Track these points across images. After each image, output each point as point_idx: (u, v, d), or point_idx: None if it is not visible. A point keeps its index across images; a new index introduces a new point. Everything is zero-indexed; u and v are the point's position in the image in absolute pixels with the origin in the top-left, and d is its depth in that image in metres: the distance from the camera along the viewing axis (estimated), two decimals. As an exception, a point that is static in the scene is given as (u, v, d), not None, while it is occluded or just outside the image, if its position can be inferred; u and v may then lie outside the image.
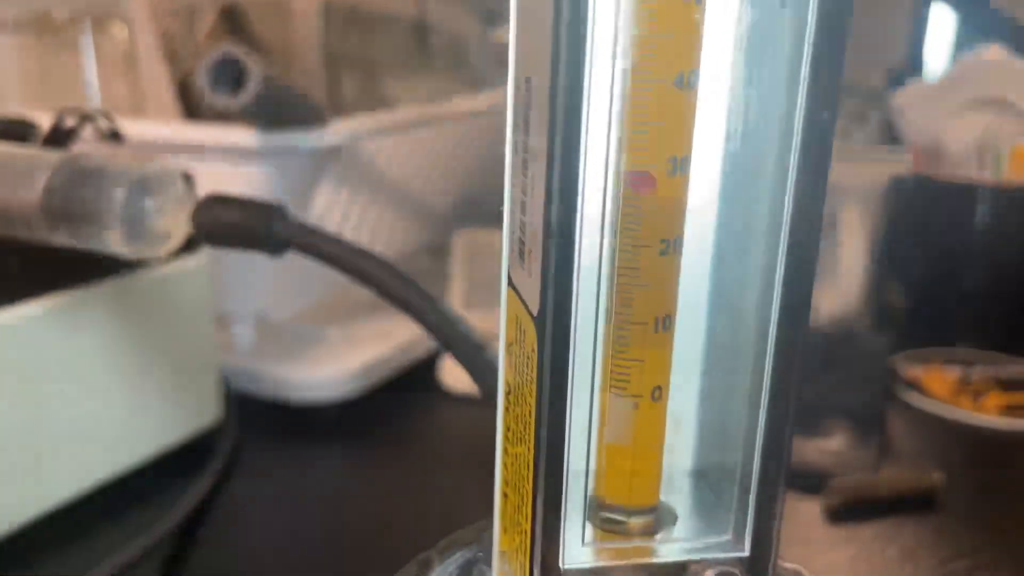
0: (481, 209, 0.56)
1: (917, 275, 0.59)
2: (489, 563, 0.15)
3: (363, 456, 0.43)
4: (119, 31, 0.61)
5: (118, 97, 0.60)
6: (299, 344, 0.48)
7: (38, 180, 0.28)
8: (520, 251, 0.13)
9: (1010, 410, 0.48)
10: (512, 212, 0.14)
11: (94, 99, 0.59)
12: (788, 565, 0.16)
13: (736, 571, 0.13)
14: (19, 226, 0.29)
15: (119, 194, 0.27)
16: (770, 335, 0.13)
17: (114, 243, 0.27)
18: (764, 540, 0.14)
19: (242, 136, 0.40)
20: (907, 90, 0.58)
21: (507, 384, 0.14)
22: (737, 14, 0.13)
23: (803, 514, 0.38)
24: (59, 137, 0.37)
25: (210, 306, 0.41)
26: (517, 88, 0.13)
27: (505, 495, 0.14)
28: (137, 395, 0.37)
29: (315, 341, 0.49)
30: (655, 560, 0.13)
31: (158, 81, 0.63)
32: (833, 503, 0.38)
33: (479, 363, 0.23)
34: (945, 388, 0.51)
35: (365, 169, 0.48)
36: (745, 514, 0.14)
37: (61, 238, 0.29)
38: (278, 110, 0.40)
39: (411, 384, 0.48)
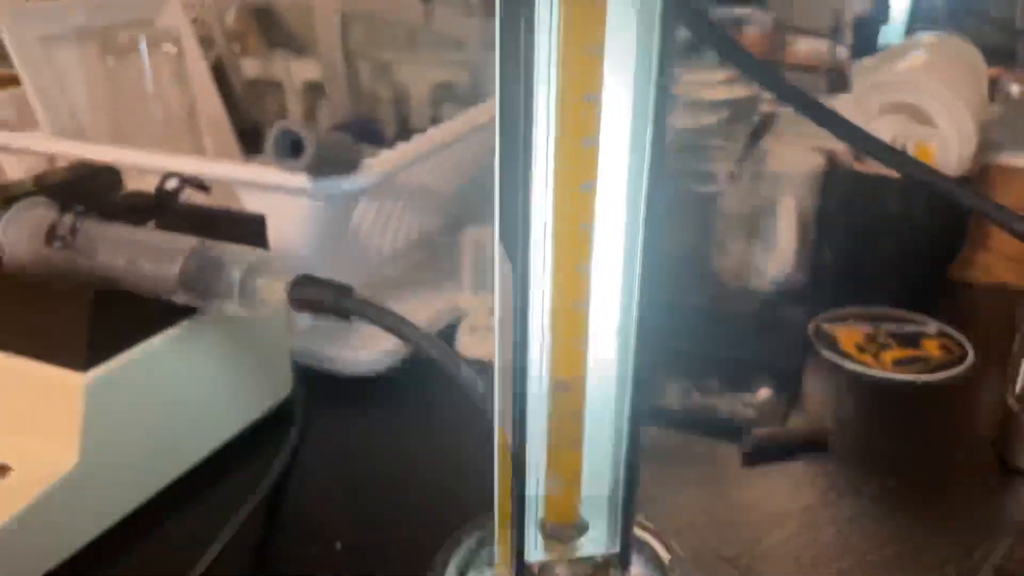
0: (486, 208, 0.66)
1: (842, 248, 0.69)
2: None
3: (398, 415, 0.55)
4: (170, 48, 0.69)
5: (173, 106, 0.69)
6: (343, 328, 0.59)
7: (176, 262, 0.39)
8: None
9: (900, 364, 0.59)
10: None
11: (154, 110, 0.68)
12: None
13: (613, 559, 0.24)
14: (158, 291, 0.40)
15: (236, 276, 0.37)
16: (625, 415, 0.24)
17: (230, 310, 0.38)
18: (626, 540, 0.24)
19: (301, 180, 0.50)
20: (838, 97, 0.66)
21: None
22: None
23: (723, 458, 0.49)
24: (164, 196, 0.47)
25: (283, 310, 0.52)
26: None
27: (499, 517, 0.25)
28: (236, 382, 0.49)
29: (355, 325, 0.60)
30: (577, 555, 0.24)
31: (208, 95, 0.72)
32: (747, 449, 0.49)
33: (476, 392, 0.34)
34: (852, 344, 0.61)
35: (392, 187, 0.58)
36: (616, 522, 0.24)
37: (187, 300, 0.40)
38: (328, 159, 0.49)
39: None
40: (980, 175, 0.66)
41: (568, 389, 0.23)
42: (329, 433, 0.52)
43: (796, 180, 0.67)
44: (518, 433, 0.22)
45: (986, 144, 0.67)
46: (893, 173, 0.35)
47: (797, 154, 0.68)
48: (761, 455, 0.49)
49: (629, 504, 0.24)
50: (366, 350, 0.57)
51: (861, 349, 0.61)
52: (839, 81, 0.84)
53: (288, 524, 0.45)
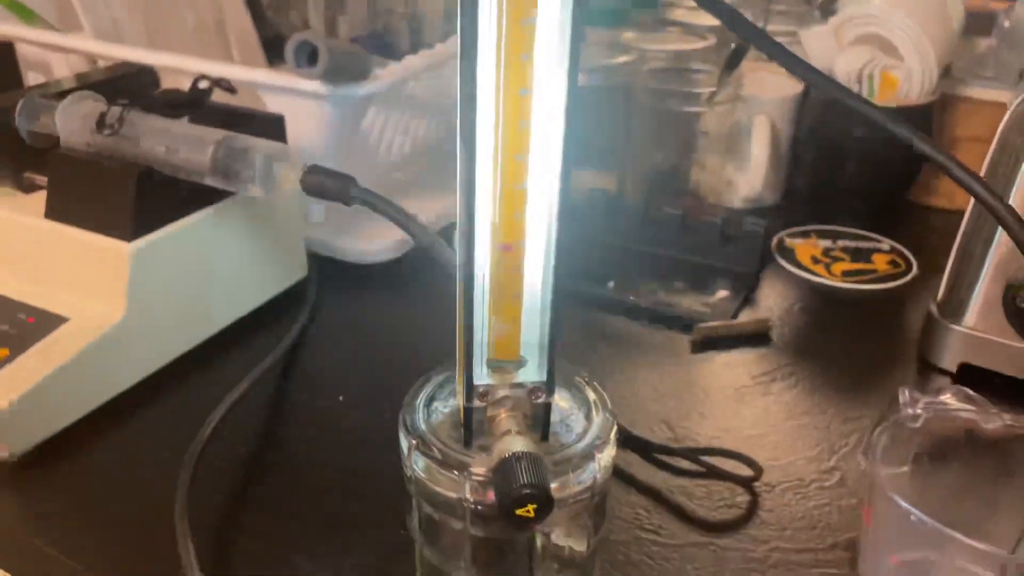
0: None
1: (811, 170, 0.74)
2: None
3: (396, 297, 0.62)
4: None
5: (203, 16, 0.74)
6: (354, 219, 0.66)
7: (207, 150, 0.45)
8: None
9: (849, 275, 0.65)
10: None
11: (186, 18, 0.73)
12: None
13: (541, 385, 0.31)
14: (191, 174, 0.47)
15: (258, 163, 0.44)
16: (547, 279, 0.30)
17: (252, 191, 0.45)
18: (551, 372, 0.31)
19: (315, 86, 0.56)
20: (811, 29, 0.71)
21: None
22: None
23: (676, 346, 0.56)
24: (197, 95, 0.53)
25: (298, 200, 0.58)
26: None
27: (459, 356, 0.32)
28: (259, 261, 0.56)
29: (365, 217, 0.66)
30: (515, 381, 0.31)
31: (236, 7, 0.77)
32: (696, 339, 0.56)
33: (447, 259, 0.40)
34: (809, 256, 0.68)
35: (400, 96, 0.63)
36: (544, 360, 0.31)
37: (216, 183, 0.47)
38: (341, 68, 0.55)
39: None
40: (943, 105, 0.71)
41: (510, 249, 0.29)
42: (337, 311, 0.59)
43: (772, 104, 0.72)
44: (468, 283, 0.29)
45: (952, 76, 0.72)
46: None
47: (775, 79, 0.73)
48: (707, 344, 0.56)
49: (553, 345, 0.31)
50: (371, 241, 0.63)
51: (816, 261, 0.67)
52: (831, 9, 0.87)
53: (299, 381, 0.52)
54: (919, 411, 0.36)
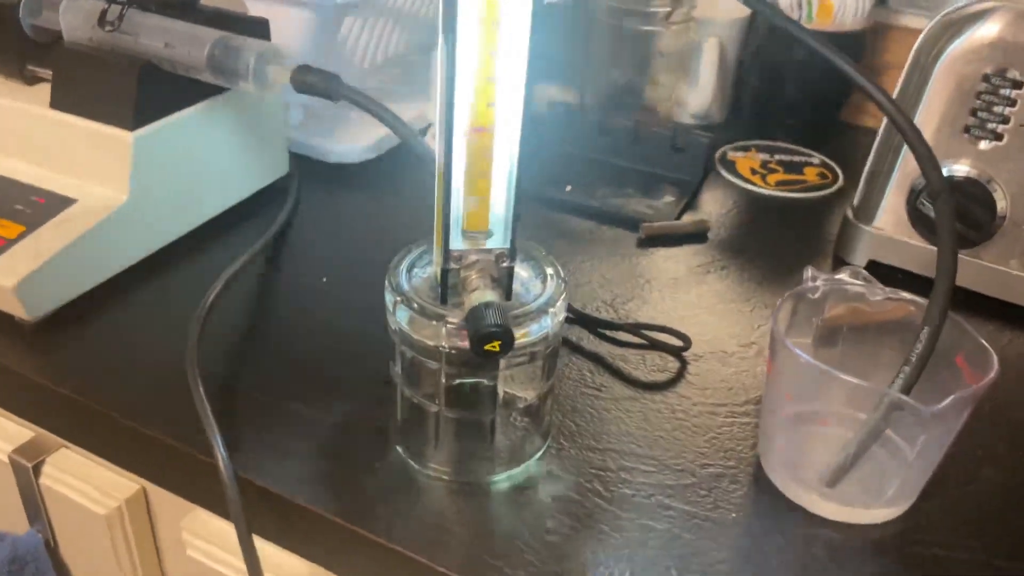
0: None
1: (755, 90, 0.80)
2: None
3: (373, 195, 0.67)
4: None
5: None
6: (331, 124, 0.71)
7: (204, 46, 0.49)
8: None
9: (782, 184, 0.72)
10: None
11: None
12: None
13: (506, 251, 0.37)
14: (188, 70, 0.51)
15: (251, 61, 0.48)
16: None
17: (245, 88, 0.49)
18: (513, 241, 0.37)
19: (298, -7, 0.60)
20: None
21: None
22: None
23: (624, 243, 0.63)
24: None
25: (281, 102, 0.63)
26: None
27: (436, 229, 0.38)
28: (246, 155, 0.60)
29: (344, 121, 0.71)
30: (483, 247, 0.37)
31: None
32: (642, 236, 0.63)
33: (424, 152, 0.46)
34: (747, 168, 0.74)
35: (376, 6, 0.67)
36: (508, 230, 0.37)
37: (211, 79, 0.51)
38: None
39: (405, 151, 0.71)
40: (876, 32, 0.77)
41: (482, 131, 0.35)
42: (318, 205, 0.65)
43: (721, 26, 0.77)
44: (447, 161, 0.35)
45: (888, 6, 0.77)
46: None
47: (726, 2, 0.78)
48: (651, 241, 0.63)
49: (516, 219, 0.37)
50: (346, 143, 0.68)
51: (754, 172, 0.73)
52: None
53: (285, 264, 0.58)
54: (818, 284, 0.43)
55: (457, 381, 0.39)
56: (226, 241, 0.59)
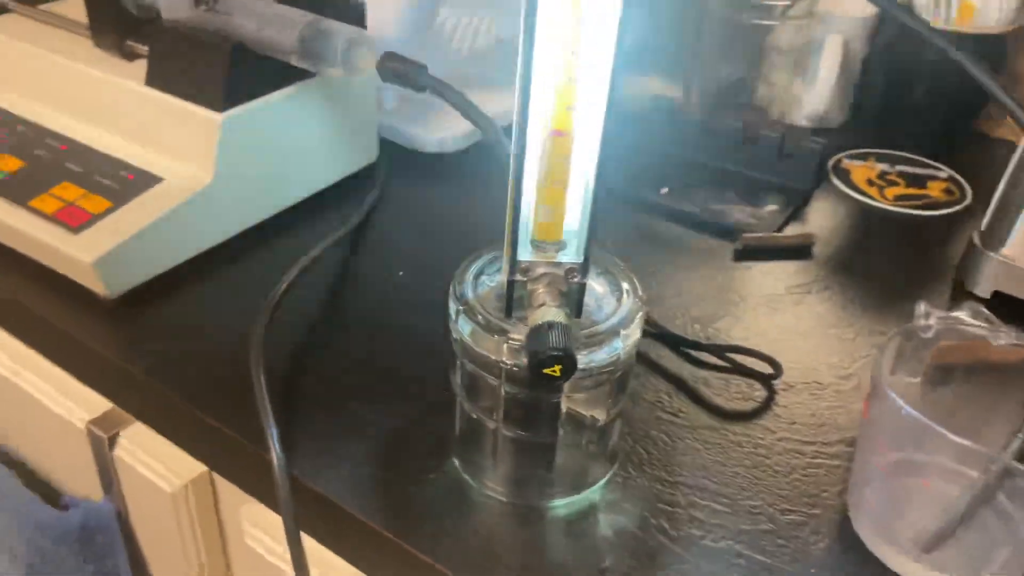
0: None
1: (879, 92, 0.74)
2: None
3: (463, 188, 0.65)
4: None
5: None
6: (425, 110, 0.69)
7: (295, 30, 0.48)
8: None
9: (901, 199, 0.66)
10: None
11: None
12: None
13: (578, 267, 0.34)
14: (278, 53, 0.50)
15: (340, 47, 0.47)
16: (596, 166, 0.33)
17: (333, 73, 0.48)
18: (587, 256, 0.34)
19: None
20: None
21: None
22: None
23: (720, 254, 0.59)
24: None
25: (374, 87, 0.61)
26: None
27: (507, 237, 0.35)
28: (334, 141, 0.59)
29: (437, 108, 0.69)
30: (555, 260, 0.35)
31: None
32: (739, 248, 0.58)
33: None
34: (864, 179, 0.68)
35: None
36: (582, 244, 0.34)
37: (300, 63, 0.50)
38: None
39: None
40: (1019, 36, 0.69)
41: (562, 135, 0.32)
42: (403, 195, 0.63)
43: (846, 22, 0.71)
44: (519, 165, 0.32)
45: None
46: (935, 24, 0.40)
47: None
48: (748, 253, 0.58)
49: (592, 232, 0.34)
50: (439, 131, 0.66)
51: (870, 183, 0.68)
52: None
53: (363, 254, 0.56)
54: (932, 323, 0.38)
55: (518, 399, 0.37)
56: (309, 227, 0.58)
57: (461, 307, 0.36)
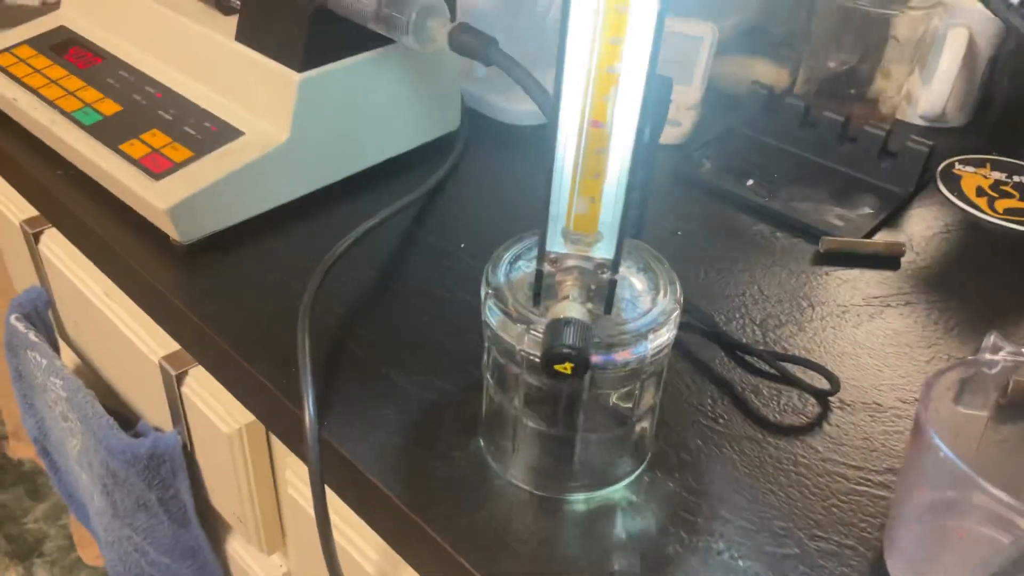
0: None
1: (1006, 94, 0.68)
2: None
3: (540, 160, 0.64)
4: None
5: None
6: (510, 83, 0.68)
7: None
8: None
9: (1012, 213, 0.60)
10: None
11: None
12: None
13: (608, 262, 0.33)
14: (357, 17, 0.50)
15: (413, 15, 0.46)
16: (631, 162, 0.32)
17: (407, 42, 0.48)
18: (619, 251, 0.33)
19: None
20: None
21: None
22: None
23: (798, 254, 0.55)
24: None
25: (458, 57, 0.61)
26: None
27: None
28: (414, 108, 0.59)
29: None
30: (589, 255, 0.33)
31: None
32: (821, 251, 0.55)
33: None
34: (974, 187, 0.63)
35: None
36: (615, 239, 0.33)
37: (378, 28, 0.50)
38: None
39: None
40: None
41: (599, 127, 0.31)
42: (479, 166, 0.63)
43: (974, 15, 0.65)
44: (553, 154, 0.31)
45: None
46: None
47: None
48: (831, 258, 0.55)
49: (624, 227, 0.33)
50: (524, 104, 0.65)
51: (980, 193, 0.62)
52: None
53: (429, 223, 0.56)
54: (998, 358, 0.35)
55: (538, 389, 0.36)
56: (381, 191, 0.58)
57: (491, 292, 0.35)
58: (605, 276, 0.34)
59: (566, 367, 0.31)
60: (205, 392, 0.56)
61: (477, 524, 0.38)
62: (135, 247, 0.52)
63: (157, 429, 0.62)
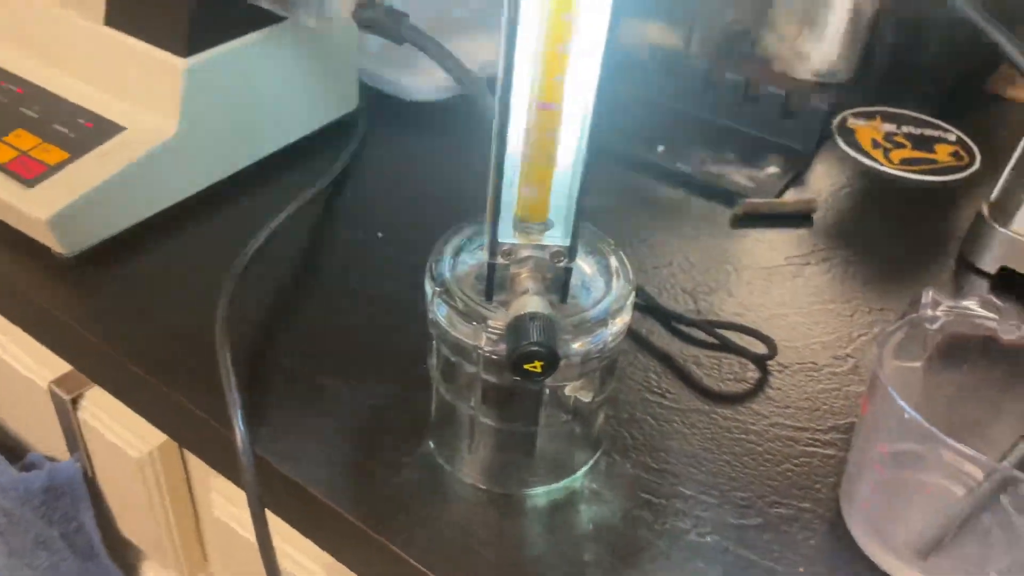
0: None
1: (890, 47, 0.70)
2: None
3: (450, 140, 0.61)
4: None
5: None
6: (410, 54, 0.65)
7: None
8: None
9: (907, 163, 0.63)
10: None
11: None
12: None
13: (564, 250, 0.32)
14: (248, -5, 0.46)
15: (310, -8, 0.43)
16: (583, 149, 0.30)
17: (303, 19, 0.44)
18: (574, 239, 0.32)
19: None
20: None
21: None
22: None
23: (716, 219, 0.56)
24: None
25: (355, 30, 0.57)
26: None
27: (489, 213, 0.32)
28: (310, 88, 0.56)
29: (422, 54, 0.65)
30: (540, 243, 0.32)
31: None
32: (738, 214, 0.56)
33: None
34: (869, 140, 0.65)
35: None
36: (569, 226, 0.32)
37: (272, 6, 0.46)
38: None
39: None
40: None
41: (549, 108, 0.29)
42: (385, 147, 0.60)
43: (859, -28, 0.67)
44: (501, 139, 0.29)
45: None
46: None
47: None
48: (747, 220, 0.56)
49: (579, 214, 0.31)
50: (426, 78, 0.62)
51: (876, 145, 0.64)
52: None
53: (341, 213, 0.53)
54: (939, 314, 0.36)
55: (496, 387, 0.34)
56: (283, 181, 0.54)
57: (438, 289, 0.33)
58: (561, 264, 0.32)
59: (535, 365, 0.29)
60: (105, 415, 0.52)
61: (438, 532, 0.36)
62: (11, 263, 0.47)
63: (51, 459, 0.57)
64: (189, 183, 0.51)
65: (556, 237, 0.32)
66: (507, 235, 0.32)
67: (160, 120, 0.48)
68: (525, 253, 0.32)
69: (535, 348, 0.29)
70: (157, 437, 0.50)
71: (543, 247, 0.32)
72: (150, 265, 0.47)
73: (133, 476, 0.51)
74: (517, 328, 0.30)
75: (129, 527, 0.58)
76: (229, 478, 0.42)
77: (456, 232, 0.36)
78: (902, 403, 0.31)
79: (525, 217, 0.32)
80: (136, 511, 0.54)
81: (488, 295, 0.33)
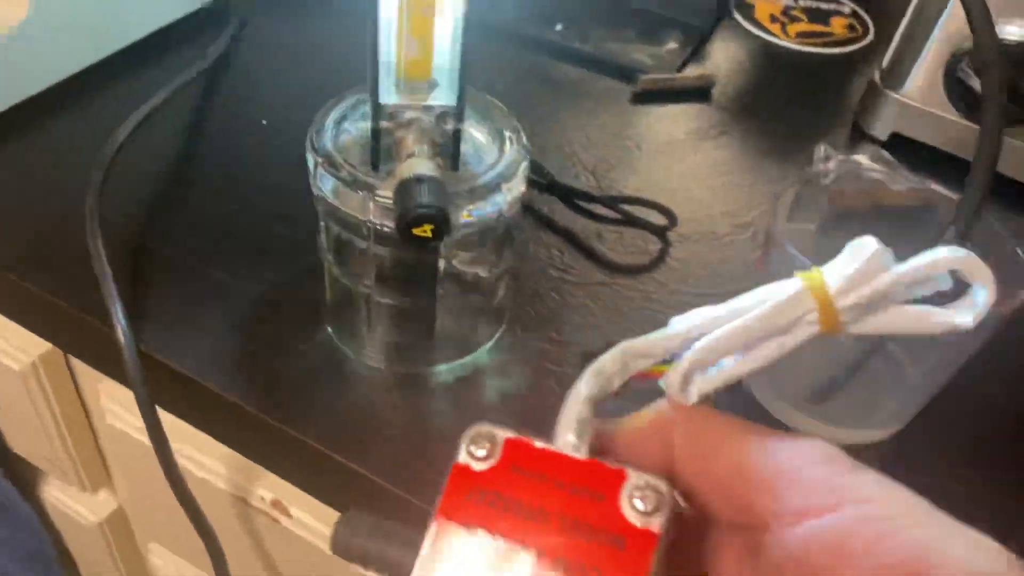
0: None
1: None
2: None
3: (338, 18, 0.58)
4: None
5: None
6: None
7: None
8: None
9: (803, 36, 0.63)
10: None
11: None
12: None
13: (451, 110, 0.30)
14: None
15: None
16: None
17: None
18: (462, 99, 0.30)
19: None
20: None
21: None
22: None
23: (616, 96, 0.55)
24: None
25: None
26: None
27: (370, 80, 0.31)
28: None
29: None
30: (424, 102, 0.30)
31: None
32: (638, 91, 0.55)
33: None
34: (767, 14, 0.65)
35: None
36: (455, 83, 0.30)
37: None
38: None
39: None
40: None
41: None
42: (267, 28, 0.56)
43: None
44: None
45: None
46: None
47: None
48: (647, 96, 0.55)
49: (464, 72, 0.30)
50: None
51: (773, 19, 0.64)
52: None
53: (220, 101, 0.50)
54: (831, 167, 0.36)
55: (390, 262, 0.33)
56: (156, 69, 0.51)
57: (320, 160, 0.31)
58: (449, 127, 0.31)
59: (425, 229, 0.28)
60: (-20, 327, 0.48)
61: (342, 415, 0.35)
62: None
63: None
64: (45, 74, 0.47)
65: (442, 98, 0.31)
66: (389, 95, 0.30)
67: (7, 5, 0.44)
68: (410, 116, 0.31)
69: (423, 210, 0.28)
70: (39, 346, 0.47)
71: (430, 109, 0.31)
72: (11, 162, 0.44)
73: (17, 390, 0.48)
74: (403, 191, 0.28)
75: (19, 444, 0.55)
76: (117, 379, 0.40)
77: (338, 101, 0.34)
78: (794, 251, 0.32)
79: (409, 75, 0.30)
80: (26, 427, 0.52)
81: (374, 163, 0.31)
